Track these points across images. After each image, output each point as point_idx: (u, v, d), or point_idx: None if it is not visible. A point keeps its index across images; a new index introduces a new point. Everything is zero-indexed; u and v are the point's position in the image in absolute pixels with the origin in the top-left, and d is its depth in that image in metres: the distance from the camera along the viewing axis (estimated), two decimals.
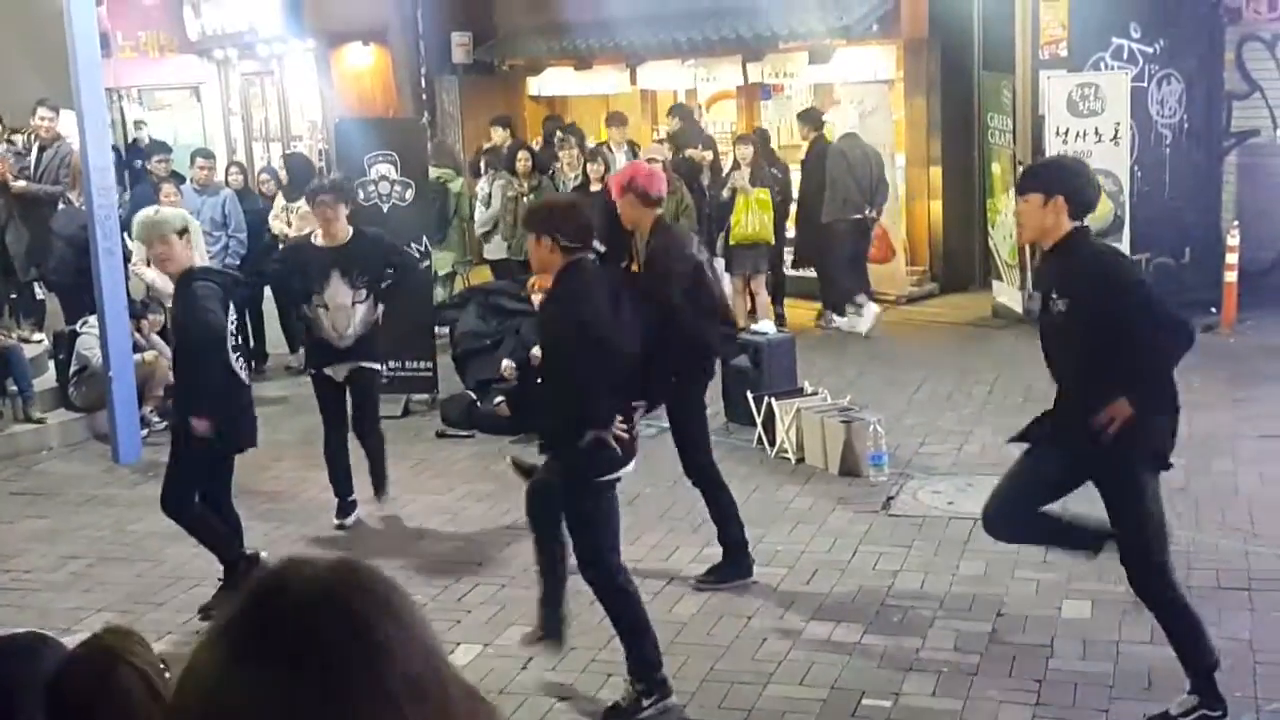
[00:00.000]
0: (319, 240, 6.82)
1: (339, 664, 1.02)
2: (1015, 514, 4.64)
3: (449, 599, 5.78)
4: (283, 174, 12.37)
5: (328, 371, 6.79)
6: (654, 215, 5.78)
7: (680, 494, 6.42)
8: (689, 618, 5.43)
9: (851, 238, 11.04)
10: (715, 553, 6.03)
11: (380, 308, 6.80)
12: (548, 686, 4.88)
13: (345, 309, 6.67)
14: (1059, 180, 4.44)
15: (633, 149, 11.90)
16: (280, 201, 10.76)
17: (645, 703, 4.62)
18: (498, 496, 7.16)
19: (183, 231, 5.59)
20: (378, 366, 7.00)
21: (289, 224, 10.30)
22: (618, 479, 4.74)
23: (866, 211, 10.94)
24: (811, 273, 11.62)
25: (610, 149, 11.74)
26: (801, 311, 11.51)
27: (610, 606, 4.79)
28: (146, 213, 5.86)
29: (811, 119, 11.58)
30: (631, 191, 5.75)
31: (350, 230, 6.80)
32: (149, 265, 9.59)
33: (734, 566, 5.80)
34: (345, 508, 6.86)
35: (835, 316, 11.20)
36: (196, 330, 5.54)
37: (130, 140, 16.49)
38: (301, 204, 10.16)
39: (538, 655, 5.08)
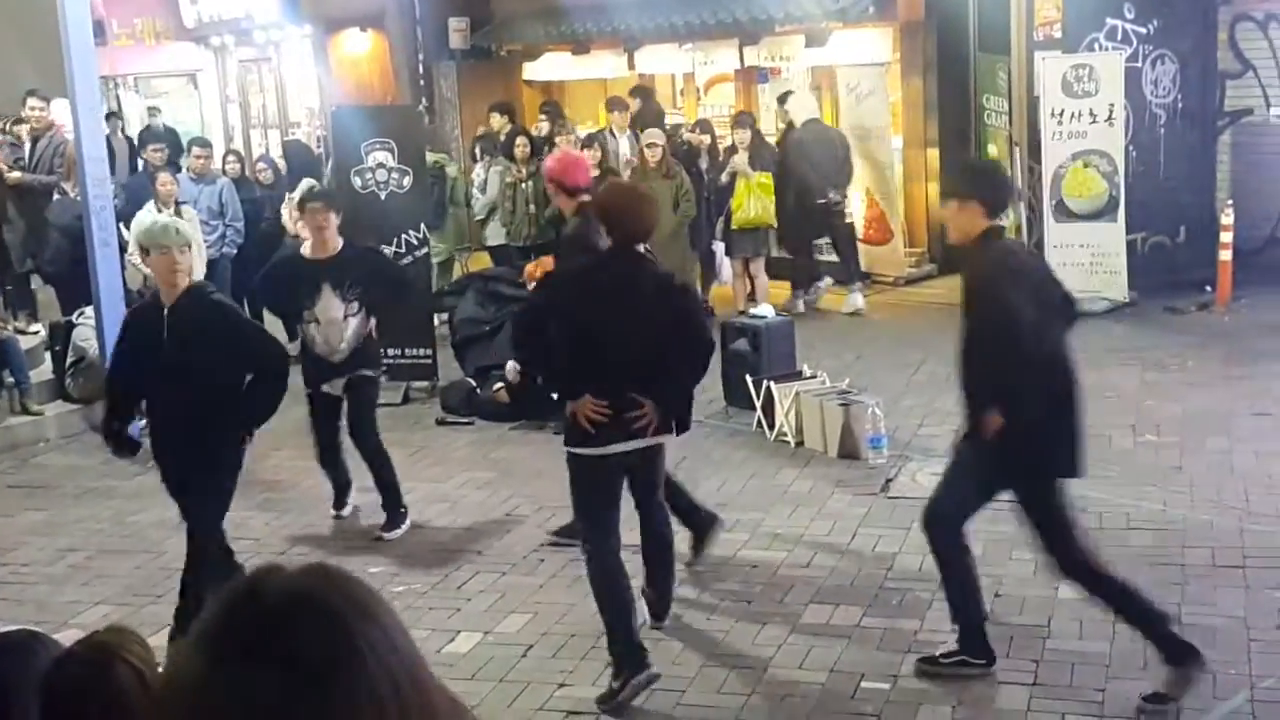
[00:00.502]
0: (308, 251, 6.65)
1: (318, 665, 1.02)
2: (949, 515, 4.75)
3: (448, 587, 5.81)
4: (281, 163, 12.37)
5: (325, 389, 6.59)
6: (576, 204, 5.95)
7: (681, 478, 6.42)
8: (687, 603, 5.46)
9: (824, 222, 11.12)
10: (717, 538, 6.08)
11: (373, 320, 6.64)
12: (547, 674, 4.90)
13: (337, 323, 6.47)
14: (972, 186, 4.68)
15: (635, 134, 11.89)
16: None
17: (615, 684, 4.64)
18: (497, 484, 7.19)
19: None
20: (375, 374, 6.80)
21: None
22: (595, 456, 4.75)
23: (830, 195, 11.02)
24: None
25: (613, 134, 11.74)
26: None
27: (590, 578, 4.84)
28: (165, 220, 5.71)
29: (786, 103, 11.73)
30: (552, 182, 6.00)
31: (341, 241, 6.63)
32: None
33: (704, 526, 5.88)
34: (341, 497, 6.88)
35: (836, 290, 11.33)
36: (264, 345, 5.41)
37: (145, 127, 16.40)
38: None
39: (536, 644, 5.12)
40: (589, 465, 4.78)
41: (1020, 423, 4.40)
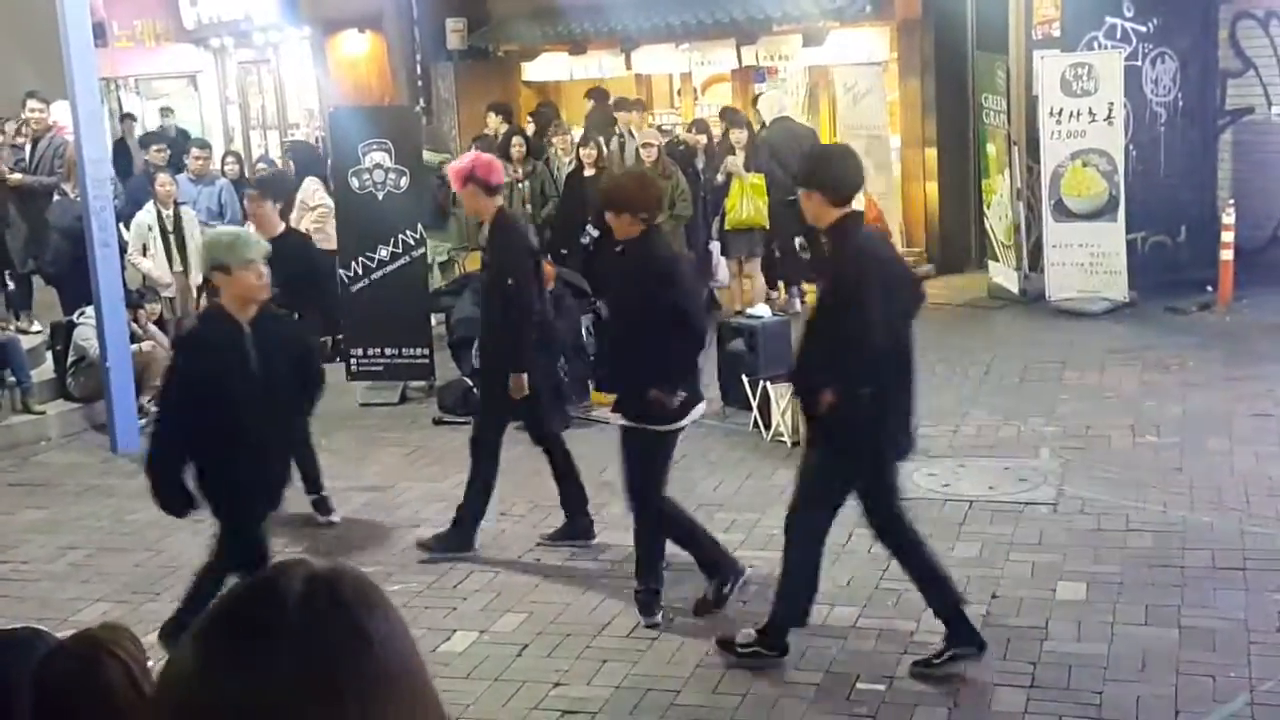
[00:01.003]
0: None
1: (331, 650, 1.04)
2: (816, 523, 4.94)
3: (444, 585, 5.80)
4: (280, 164, 12.38)
5: None
6: (495, 204, 6.05)
7: (676, 478, 6.43)
8: (683, 602, 5.45)
9: (794, 220, 11.22)
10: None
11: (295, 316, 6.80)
12: (543, 673, 4.89)
13: None
14: (812, 174, 4.82)
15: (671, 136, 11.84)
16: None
17: (725, 589, 5.23)
18: None
19: None
20: None
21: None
22: (679, 428, 5.26)
23: (800, 192, 11.02)
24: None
25: (631, 133, 11.72)
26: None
27: (657, 532, 5.31)
28: (241, 230, 5.27)
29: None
30: (473, 182, 6.00)
31: (280, 228, 6.76)
32: (145, 255, 9.66)
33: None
34: None
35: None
36: (316, 349, 5.43)
37: (157, 128, 16.35)
38: (307, 198, 10.21)
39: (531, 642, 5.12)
40: (670, 439, 5.25)
41: (858, 410, 4.56)
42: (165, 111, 16.77)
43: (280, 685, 1.02)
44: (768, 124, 11.33)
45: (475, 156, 6.36)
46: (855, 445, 4.65)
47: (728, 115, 11.75)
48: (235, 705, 1.02)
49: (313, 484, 6.72)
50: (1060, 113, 10.37)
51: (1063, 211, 10.53)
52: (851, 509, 6.38)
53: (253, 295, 4.72)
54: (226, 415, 4.63)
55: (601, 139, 11.40)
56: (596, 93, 13.09)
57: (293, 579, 1.08)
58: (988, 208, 11.44)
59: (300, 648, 1.03)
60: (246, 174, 11.99)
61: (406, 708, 1.06)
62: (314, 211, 10.14)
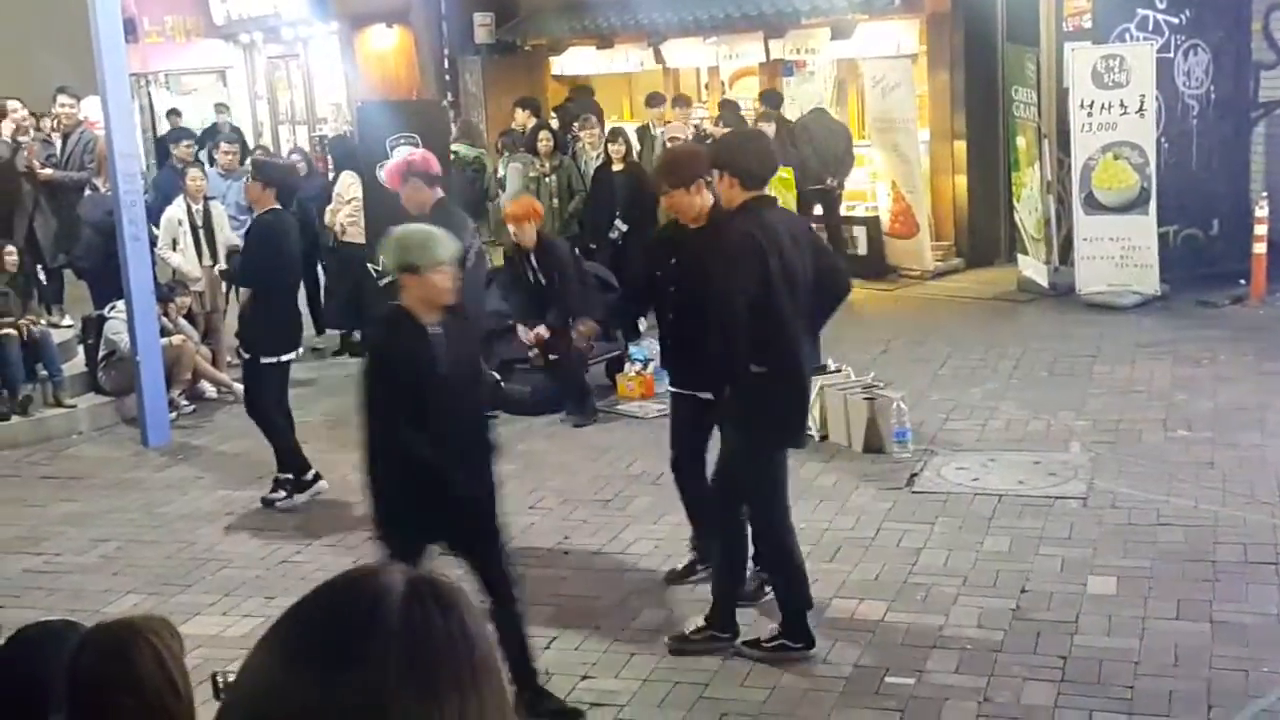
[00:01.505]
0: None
1: (439, 660, 1.05)
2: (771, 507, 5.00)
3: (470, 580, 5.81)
4: (313, 157, 12.46)
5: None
6: (436, 195, 6.15)
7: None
8: (710, 596, 5.44)
9: (820, 206, 11.62)
10: None
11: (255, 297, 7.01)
12: (571, 666, 4.90)
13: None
14: (724, 158, 4.86)
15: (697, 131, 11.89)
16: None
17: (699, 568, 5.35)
18: (520, 477, 7.18)
19: None
20: (250, 357, 6.94)
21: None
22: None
23: (828, 181, 11.44)
24: None
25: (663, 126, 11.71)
26: None
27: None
28: (434, 230, 4.58)
29: (770, 100, 11.81)
30: (415, 176, 6.08)
31: (271, 206, 6.95)
32: (174, 250, 9.72)
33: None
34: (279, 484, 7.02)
35: None
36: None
37: (210, 125, 16.46)
38: (343, 191, 10.28)
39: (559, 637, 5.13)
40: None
41: (756, 387, 4.65)
42: (220, 108, 16.85)
43: (383, 683, 1.02)
44: (805, 113, 11.53)
45: (410, 154, 6.43)
46: (766, 420, 4.75)
47: (727, 108, 11.88)
48: (332, 705, 1.01)
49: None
50: (1091, 105, 10.29)
51: (1093, 204, 10.46)
52: (867, 503, 6.41)
53: (440, 298, 4.35)
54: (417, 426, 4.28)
55: (634, 135, 11.47)
56: (582, 91, 13.30)
57: (393, 579, 1.08)
58: (1018, 201, 11.37)
59: (408, 646, 1.04)
60: None
61: (492, 706, 1.08)
62: (349, 205, 10.21)
